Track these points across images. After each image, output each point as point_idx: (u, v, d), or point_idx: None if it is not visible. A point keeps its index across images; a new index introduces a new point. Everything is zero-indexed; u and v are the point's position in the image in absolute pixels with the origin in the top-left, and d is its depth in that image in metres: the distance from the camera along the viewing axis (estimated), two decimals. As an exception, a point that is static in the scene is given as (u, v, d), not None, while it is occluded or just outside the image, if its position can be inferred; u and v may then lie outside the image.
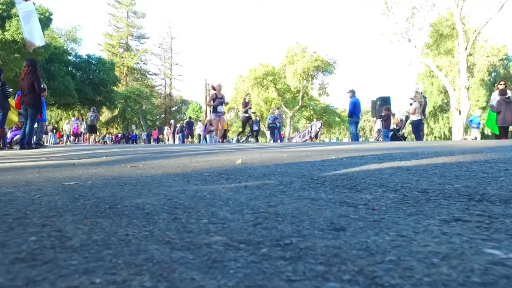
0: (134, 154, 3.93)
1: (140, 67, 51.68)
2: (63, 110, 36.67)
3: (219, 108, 10.37)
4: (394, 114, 14.29)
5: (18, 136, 8.20)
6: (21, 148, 6.87)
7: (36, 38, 3.78)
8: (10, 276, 0.55)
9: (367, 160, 2.21)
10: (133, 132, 37.53)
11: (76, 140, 20.12)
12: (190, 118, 22.83)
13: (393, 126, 13.28)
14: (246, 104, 13.22)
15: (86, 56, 34.91)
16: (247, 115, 13.12)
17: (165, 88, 54.74)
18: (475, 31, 19.60)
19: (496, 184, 1.22)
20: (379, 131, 13.05)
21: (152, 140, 31.45)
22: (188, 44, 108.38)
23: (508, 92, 8.51)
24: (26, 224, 0.86)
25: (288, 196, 1.16)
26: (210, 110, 11.19)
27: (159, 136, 32.02)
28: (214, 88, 10.49)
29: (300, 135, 19.07)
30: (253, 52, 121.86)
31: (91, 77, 33.87)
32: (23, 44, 22.85)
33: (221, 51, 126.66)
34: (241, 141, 14.60)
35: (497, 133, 8.73)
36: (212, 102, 10.42)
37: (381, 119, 12.99)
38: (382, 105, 12.64)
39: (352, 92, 10.61)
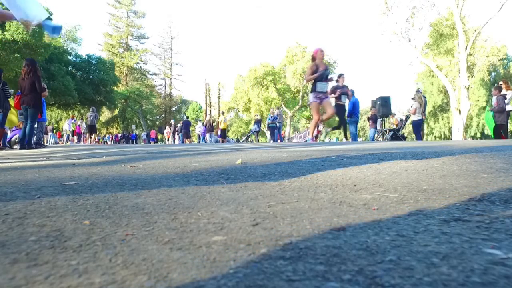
0: (134, 154, 3.93)
1: (140, 67, 51.75)
2: (63, 110, 36.70)
3: (320, 86, 6.59)
4: (394, 114, 14.33)
5: (17, 136, 8.20)
6: (21, 148, 6.86)
7: (31, 15, 3.27)
8: (10, 276, 0.54)
9: (367, 160, 2.21)
10: (133, 132, 37.56)
11: (77, 140, 20.13)
12: (187, 117, 22.48)
13: (393, 126, 13.32)
14: (336, 89, 8.60)
15: (86, 56, 34.93)
16: (340, 103, 8.69)
17: (165, 88, 54.81)
18: (475, 31, 19.59)
19: (496, 184, 1.22)
20: (379, 131, 13.10)
21: (149, 140, 31.52)
22: (188, 44, 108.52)
23: (507, 92, 8.51)
24: (26, 224, 0.86)
25: (287, 195, 1.16)
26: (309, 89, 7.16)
27: (157, 136, 32.02)
28: (313, 58, 6.75)
29: (301, 135, 19.08)
30: (253, 52, 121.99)
31: (91, 77, 33.88)
32: (23, 44, 22.82)
33: (221, 51, 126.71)
34: (241, 140, 14.19)
35: (493, 134, 8.70)
36: (312, 75, 6.60)
37: (381, 120, 13.04)
38: (382, 105, 12.65)
39: (351, 92, 10.59)
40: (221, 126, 18.40)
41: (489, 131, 10.41)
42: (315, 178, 1.55)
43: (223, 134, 18.31)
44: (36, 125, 7.54)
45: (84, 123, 20.21)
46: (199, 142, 20.62)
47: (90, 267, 0.58)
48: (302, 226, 0.79)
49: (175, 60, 68.95)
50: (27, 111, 6.79)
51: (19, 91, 7.03)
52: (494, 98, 8.50)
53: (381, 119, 13.11)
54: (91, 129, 17.92)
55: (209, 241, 0.70)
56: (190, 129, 21.04)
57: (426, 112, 13.74)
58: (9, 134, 9.44)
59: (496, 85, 8.68)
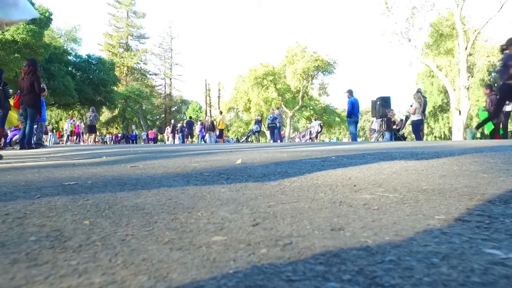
0: (134, 154, 3.93)
1: (140, 67, 51.70)
2: (63, 110, 36.67)
3: None
4: (391, 110, 14.31)
5: (17, 136, 8.20)
6: (21, 148, 6.86)
7: (9, 13, 2.94)
8: (10, 276, 0.54)
9: (367, 160, 2.21)
10: (133, 132, 37.56)
11: (77, 140, 20.14)
12: (190, 118, 22.77)
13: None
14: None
15: (86, 56, 34.91)
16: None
17: (165, 88, 54.77)
18: (475, 31, 19.59)
19: (496, 184, 1.22)
20: (375, 131, 13.05)
21: (148, 140, 31.53)
22: (188, 44, 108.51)
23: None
24: (26, 224, 0.86)
25: (287, 196, 1.16)
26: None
27: (157, 136, 32.05)
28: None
29: (301, 135, 19.12)
30: (253, 52, 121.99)
31: (91, 77, 33.87)
32: (23, 44, 22.83)
33: (221, 51, 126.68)
34: (241, 141, 14.15)
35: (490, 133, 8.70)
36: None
37: (381, 120, 13.01)
38: (382, 105, 12.63)
39: (350, 92, 10.57)
40: (219, 126, 18.41)
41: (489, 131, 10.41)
42: (315, 178, 1.55)
43: (220, 134, 18.35)
44: (36, 125, 7.53)
45: (83, 123, 20.21)
46: (199, 142, 20.66)
47: (90, 267, 0.58)
48: (302, 226, 0.79)
49: (175, 60, 69.19)
50: (27, 111, 6.79)
51: (19, 91, 7.03)
52: (487, 98, 8.51)
53: (380, 119, 13.09)
54: (91, 129, 17.90)
55: (209, 241, 0.70)
56: (192, 129, 21.31)
57: (426, 112, 13.72)
58: (9, 135, 9.44)
59: (487, 83, 8.70)
